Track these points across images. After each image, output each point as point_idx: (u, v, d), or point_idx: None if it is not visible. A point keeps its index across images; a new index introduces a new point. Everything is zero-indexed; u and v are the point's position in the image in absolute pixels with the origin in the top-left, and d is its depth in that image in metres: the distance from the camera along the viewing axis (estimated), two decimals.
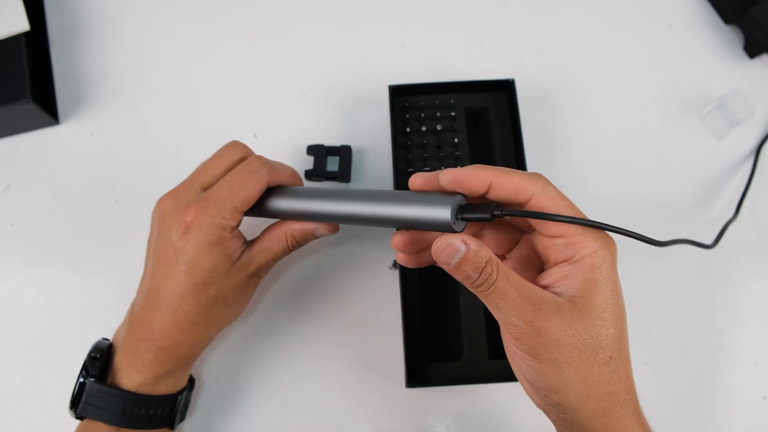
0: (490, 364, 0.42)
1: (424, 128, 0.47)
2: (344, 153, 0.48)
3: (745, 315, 0.46)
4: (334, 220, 0.36)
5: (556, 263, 0.31)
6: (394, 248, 0.35)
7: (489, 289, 0.29)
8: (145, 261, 0.39)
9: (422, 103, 0.48)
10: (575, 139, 0.51)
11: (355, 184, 0.49)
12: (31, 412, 0.44)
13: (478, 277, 0.29)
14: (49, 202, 0.49)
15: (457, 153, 0.47)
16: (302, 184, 0.41)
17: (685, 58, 0.53)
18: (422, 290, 0.44)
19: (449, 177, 0.31)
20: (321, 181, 0.49)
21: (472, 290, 0.30)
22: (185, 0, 0.55)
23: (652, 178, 0.50)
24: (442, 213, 0.31)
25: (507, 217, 0.32)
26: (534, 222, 0.31)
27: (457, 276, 0.30)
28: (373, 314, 0.46)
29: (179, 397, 0.38)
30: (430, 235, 0.35)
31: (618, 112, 0.52)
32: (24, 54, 0.48)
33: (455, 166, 0.46)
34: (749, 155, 0.50)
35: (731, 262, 0.47)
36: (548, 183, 0.31)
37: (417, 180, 0.33)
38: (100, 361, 0.36)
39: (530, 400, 0.45)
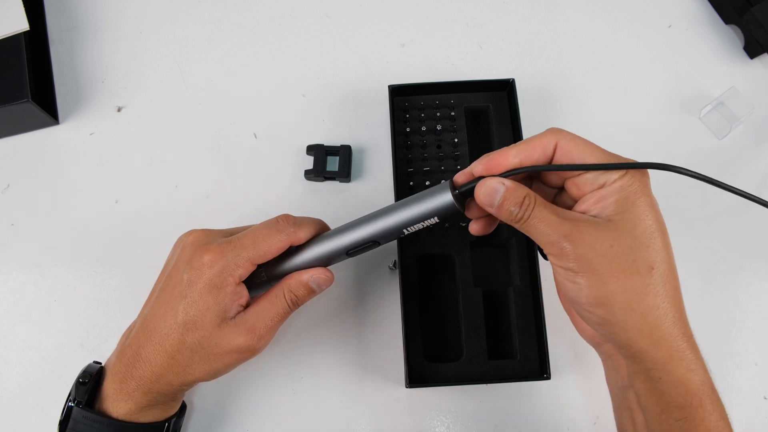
0: (490, 364, 0.42)
1: (424, 128, 0.47)
2: (344, 153, 0.48)
3: (746, 315, 0.46)
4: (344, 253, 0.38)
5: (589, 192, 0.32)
6: (473, 234, 0.37)
7: (529, 217, 0.31)
8: (156, 283, 0.39)
9: (422, 103, 0.48)
10: None
11: (354, 184, 0.49)
12: (30, 411, 0.44)
13: (518, 210, 0.31)
14: (49, 202, 0.49)
15: (457, 153, 0.47)
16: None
17: (685, 58, 0.53)
18: (422, 290, 0.44)
19: (480, 166, 0.34)
20: (321, 180, 0.49)
21: (516, 226, 0.32)
22: (185, 0, 0.55)
23: (652, 177, 0.49)
24: (445, 197, 0.34)
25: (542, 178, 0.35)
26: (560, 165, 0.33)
27: (502, 215, 0.32)
28: (373, 314, 0.46)
29: (167, 423, 0.37)
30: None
31: (618, 112, 0.52)
32: (24, 54, 0.48)
33: (455, 166, 0.47)
34: (750, 154, 0.50)
35: (732, 261, 0.47)
36: (563, 131, 0.33)
37: (460, 177, 0.35)
38: (88, 386, 0.36)
39: (530, 401, 0.45)
